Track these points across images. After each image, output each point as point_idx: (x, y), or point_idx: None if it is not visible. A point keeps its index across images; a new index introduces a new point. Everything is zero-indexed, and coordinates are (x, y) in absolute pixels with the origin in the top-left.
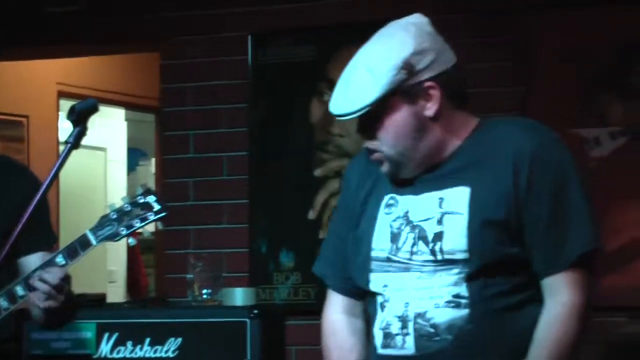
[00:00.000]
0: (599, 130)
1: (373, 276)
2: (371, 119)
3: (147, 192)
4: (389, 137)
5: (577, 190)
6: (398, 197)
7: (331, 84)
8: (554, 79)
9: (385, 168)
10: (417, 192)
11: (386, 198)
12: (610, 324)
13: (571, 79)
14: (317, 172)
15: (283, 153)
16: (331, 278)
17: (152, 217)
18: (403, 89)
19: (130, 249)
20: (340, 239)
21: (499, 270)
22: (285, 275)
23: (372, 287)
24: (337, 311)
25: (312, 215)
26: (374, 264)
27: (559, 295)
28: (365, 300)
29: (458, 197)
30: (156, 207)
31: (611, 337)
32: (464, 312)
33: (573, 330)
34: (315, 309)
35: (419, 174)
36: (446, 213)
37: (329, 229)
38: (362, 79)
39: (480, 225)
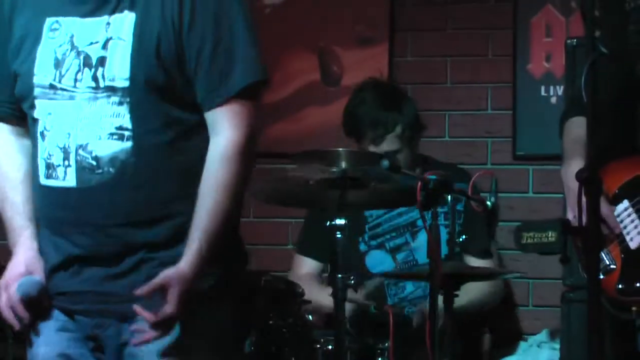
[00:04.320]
0: None
1: (37, 103)
2: None
3: None
4: None
5: (242, 22)
6: (62, 19)
7: None
8: None
9: None
10: (83, 15)
11: (49, 21)
12: (280, 170)
13: None
14: None
15: None
16: None
17: None
18: None
19: None
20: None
21: (164, 102)
22: None
23: (36, 114)
24: (4, 132)
25: None
26: (37, 91)
27: (220, 134)
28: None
29: (123, 23)
30: None
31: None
32: (127, 144)
33: (235, 169)
34: None
35: None
36: (110, 38)
37: None
38: None
39: (143, 53)
